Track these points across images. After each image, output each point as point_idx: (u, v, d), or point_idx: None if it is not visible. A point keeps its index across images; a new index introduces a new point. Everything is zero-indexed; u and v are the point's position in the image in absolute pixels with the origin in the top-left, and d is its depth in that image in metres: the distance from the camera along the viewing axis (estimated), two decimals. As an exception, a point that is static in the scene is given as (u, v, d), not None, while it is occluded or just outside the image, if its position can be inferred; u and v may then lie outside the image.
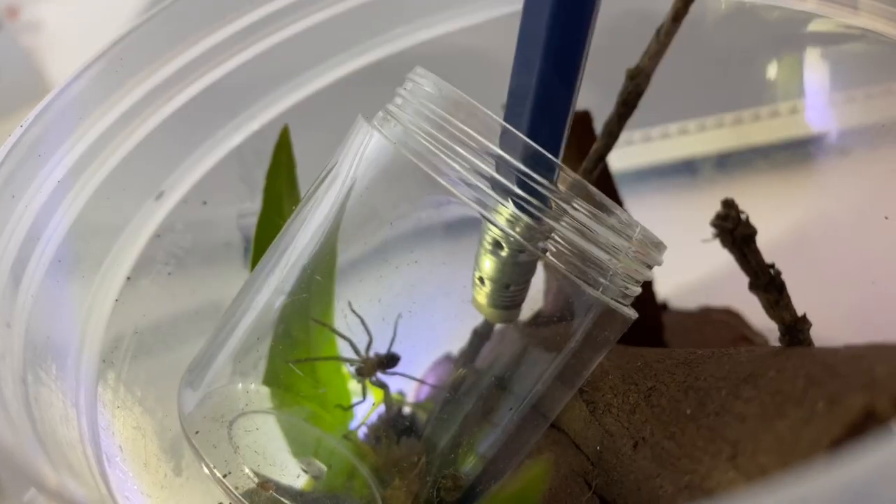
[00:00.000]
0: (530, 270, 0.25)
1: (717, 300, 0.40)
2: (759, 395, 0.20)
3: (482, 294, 0.26)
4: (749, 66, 0.42)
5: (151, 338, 0.29)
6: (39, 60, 0.67)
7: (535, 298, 0.28)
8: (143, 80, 0.29)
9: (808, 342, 0.23)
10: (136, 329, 0.28)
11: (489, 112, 0.23)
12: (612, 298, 0.24)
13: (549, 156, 0.23)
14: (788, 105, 0.43)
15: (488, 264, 0.25)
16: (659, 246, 0.25)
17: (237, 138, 0.32)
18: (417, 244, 0.26)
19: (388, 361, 0.27)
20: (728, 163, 0.45)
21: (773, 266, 0.22)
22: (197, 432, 0.26)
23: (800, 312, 0.23)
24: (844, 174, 0.41)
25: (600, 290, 0.24)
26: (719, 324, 0.37)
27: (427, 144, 0.24)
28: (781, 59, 0.41)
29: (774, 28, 0.40)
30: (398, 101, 0.25)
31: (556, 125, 0.23)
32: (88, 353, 0.25)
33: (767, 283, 0.22)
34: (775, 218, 0.34)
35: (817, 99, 0.40)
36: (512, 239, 0.23)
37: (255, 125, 0.32)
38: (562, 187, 0.23)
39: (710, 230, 0.36)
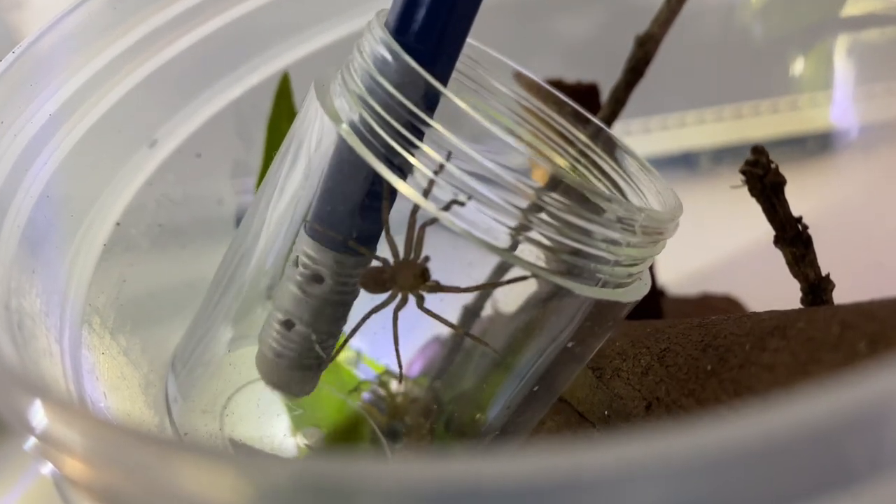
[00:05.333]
0: (344, 314, 0.21)
1: (715, 290, 0.39)
2: (789, 345, 0.19)
3: (273, 345, 0.21)
4: (750, 60, 0.41)
5: (138, 288, 0.27)
6: (23, 38, 0.65)
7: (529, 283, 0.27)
8: (143, 21, 0.28)
9: (830, 304, 0.23)
10: (124, 277, 0.27)
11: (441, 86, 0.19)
12: (614, 287, 0.20)
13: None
14: (789, 100, 0.43)
15: (295, 301, 0.20)
16: (670, 222, 0.21)
17: (236, 91, 0.30)
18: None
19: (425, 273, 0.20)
20: (726, 156, 0.45)
21: (800, 219, 0.21)
22: (186, 434, 0.24)
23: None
24: (843, 172, 0.41)
25: (598, 284, 0.20)
26: (719, 311, 0.36)
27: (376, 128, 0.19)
28: (785, 53, 0.40)
29: (776, 24, 0.40)
30: (355, 63, 0.20)
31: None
32: (74, 294, 0.24)
33: (794, 236, 0.21)
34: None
35: (826, 94, 0.40)
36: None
37: (254, 79, 0.31)
38: (541, 182, 0.19)
39: (708, 222, 0.35)
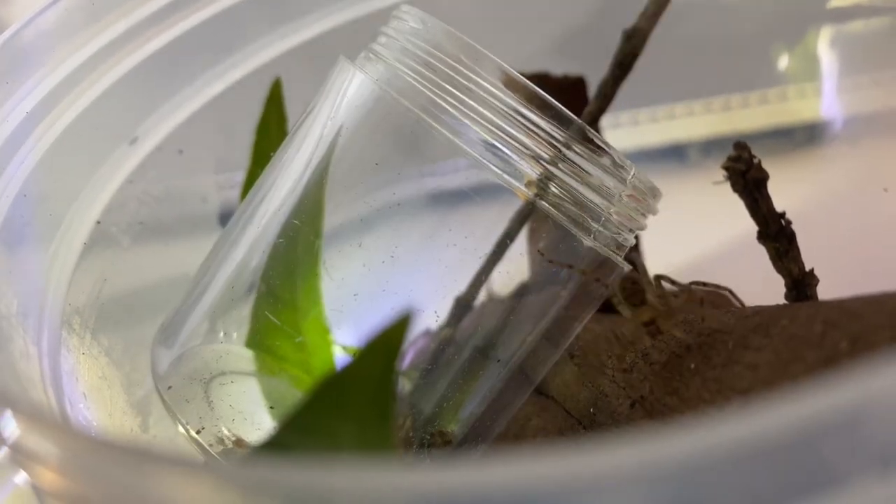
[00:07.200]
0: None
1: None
2: (772, 343, 0.19)
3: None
4: (739, 52, 0.41)
5: (120, 287, 0.27)
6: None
7: (521, 271, 0.27)
8: (122, 17, 0.27)
9: (814, 299, 0.22)
10: (105, 276, 0.26)
11: (479, 47, 0.22)
12: (604, 245, 0.23)
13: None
14: (777, 91, 0.43)
15: None
16: (654, 191, 0.24)
17: (218, 87, 0.30)
18: (401, 186, 0.24)
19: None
20: (715, 148, 0.44)
21: (783, 214, 0.21)
22: (170, 387, 0.24)
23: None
24: (831, 162, 0.41)
25: (592, 236, 0.23)
26: (707, 303, 0.36)
27: (414, 83, 0.23)
28: (773, 45, 0.40)
29: (764, 16, 0.39)
30: (382, 39, 0.24)
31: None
32: (53, 294, 0.24)
33: (777, 231, 0.21)
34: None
35: (814, 85, 0.39)
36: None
37: (237, 74, 0.30)
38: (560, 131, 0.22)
39: (698, 214, 0.34)
